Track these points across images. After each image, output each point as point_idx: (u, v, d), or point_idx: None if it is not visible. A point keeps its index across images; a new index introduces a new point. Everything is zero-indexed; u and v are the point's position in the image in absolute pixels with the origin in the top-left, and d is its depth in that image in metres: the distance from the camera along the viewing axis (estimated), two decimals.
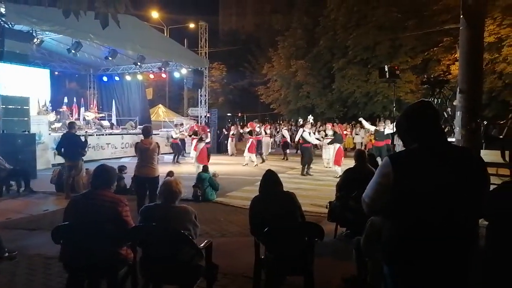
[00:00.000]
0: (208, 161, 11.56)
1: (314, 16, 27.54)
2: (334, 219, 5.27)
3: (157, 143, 6.45)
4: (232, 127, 19.36)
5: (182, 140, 15.89)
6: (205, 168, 8.63)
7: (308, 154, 11.58)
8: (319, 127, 19.03)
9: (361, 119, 13.36)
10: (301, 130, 11.84)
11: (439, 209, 1.73)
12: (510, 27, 17.84)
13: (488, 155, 5.62)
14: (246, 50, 37.52)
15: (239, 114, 39.61)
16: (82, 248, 2.90)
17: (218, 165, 12.61)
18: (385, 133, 11.40)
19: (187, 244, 2.94)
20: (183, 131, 15.85)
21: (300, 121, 20.29)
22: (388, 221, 1.88)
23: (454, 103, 6.62)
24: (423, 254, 1.74)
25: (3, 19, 10.59)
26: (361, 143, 20.60)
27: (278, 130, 24.34)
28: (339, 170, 10.65)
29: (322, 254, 4.18)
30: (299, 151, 19.04)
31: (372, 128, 12.84)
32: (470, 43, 4.79)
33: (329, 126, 12.93)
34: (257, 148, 14.57)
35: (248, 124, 18.85)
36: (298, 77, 27.30)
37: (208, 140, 12.52)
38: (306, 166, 11.48)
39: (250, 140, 14.04)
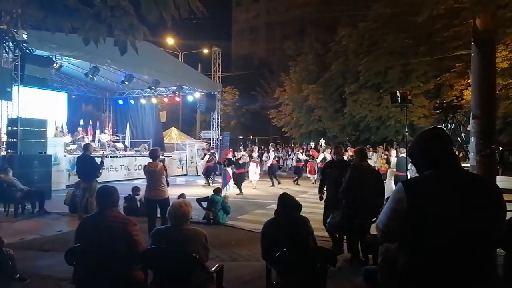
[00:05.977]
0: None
1: (325, 42, 27.93)
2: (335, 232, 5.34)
3: (163, 165, 6.54)
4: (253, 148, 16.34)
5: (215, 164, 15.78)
6: (217, 191, 8.61)
7: None
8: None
9: None
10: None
11: (453, 236, 1.70)
12: None
13: (505, 181, 5.52)
14: (258, 74, 38.12)
15: (251, 137, 39.82)
16: (95, 270, 2.91)
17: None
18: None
19: (198, 267, 2.92)
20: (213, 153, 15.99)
21: (312, 144, 20.16)
22: (403, 248, 1.86)
23: (468, 128, 6.56)
24: (438, 282, 1.71)
25: (25, 45, 10.99)
26: (374, 167, 20.27)
27: (289, 153, 24.16)
28: None
29: (335, 280, 4.09)
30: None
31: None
32: (482, 69, 4.81)
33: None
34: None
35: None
36: (309, 101, 27.45)
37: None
38: None
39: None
